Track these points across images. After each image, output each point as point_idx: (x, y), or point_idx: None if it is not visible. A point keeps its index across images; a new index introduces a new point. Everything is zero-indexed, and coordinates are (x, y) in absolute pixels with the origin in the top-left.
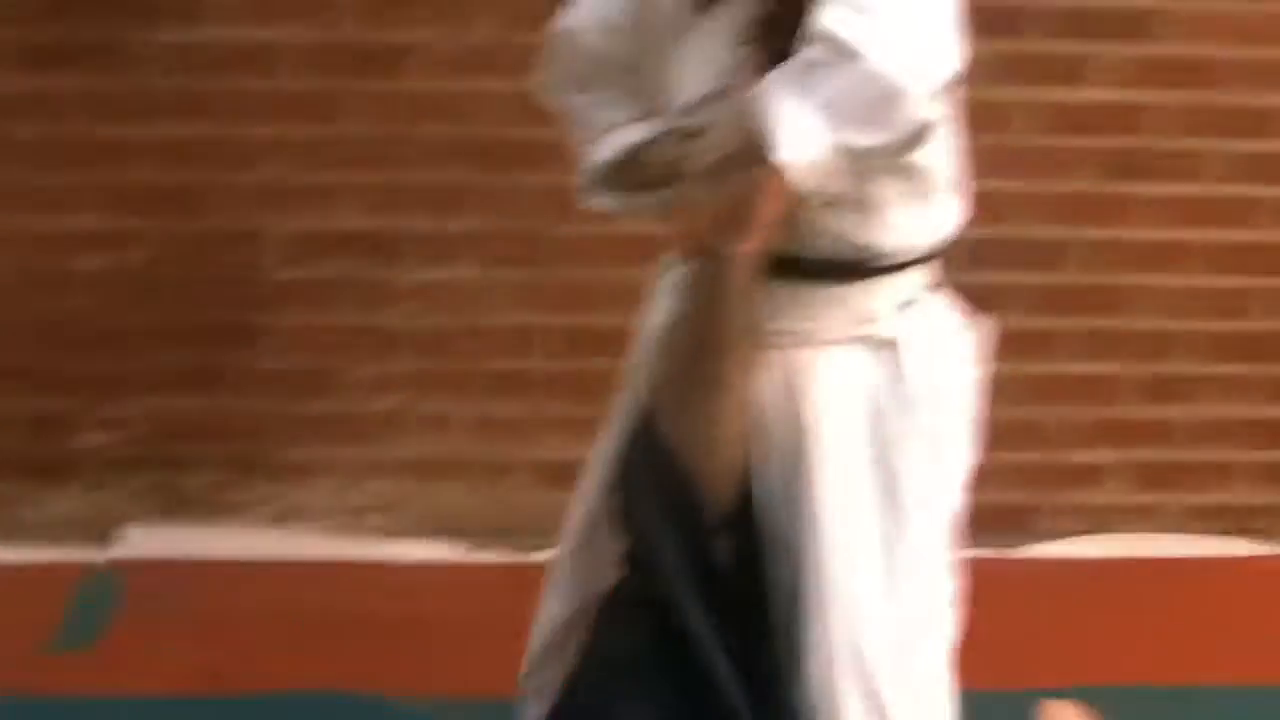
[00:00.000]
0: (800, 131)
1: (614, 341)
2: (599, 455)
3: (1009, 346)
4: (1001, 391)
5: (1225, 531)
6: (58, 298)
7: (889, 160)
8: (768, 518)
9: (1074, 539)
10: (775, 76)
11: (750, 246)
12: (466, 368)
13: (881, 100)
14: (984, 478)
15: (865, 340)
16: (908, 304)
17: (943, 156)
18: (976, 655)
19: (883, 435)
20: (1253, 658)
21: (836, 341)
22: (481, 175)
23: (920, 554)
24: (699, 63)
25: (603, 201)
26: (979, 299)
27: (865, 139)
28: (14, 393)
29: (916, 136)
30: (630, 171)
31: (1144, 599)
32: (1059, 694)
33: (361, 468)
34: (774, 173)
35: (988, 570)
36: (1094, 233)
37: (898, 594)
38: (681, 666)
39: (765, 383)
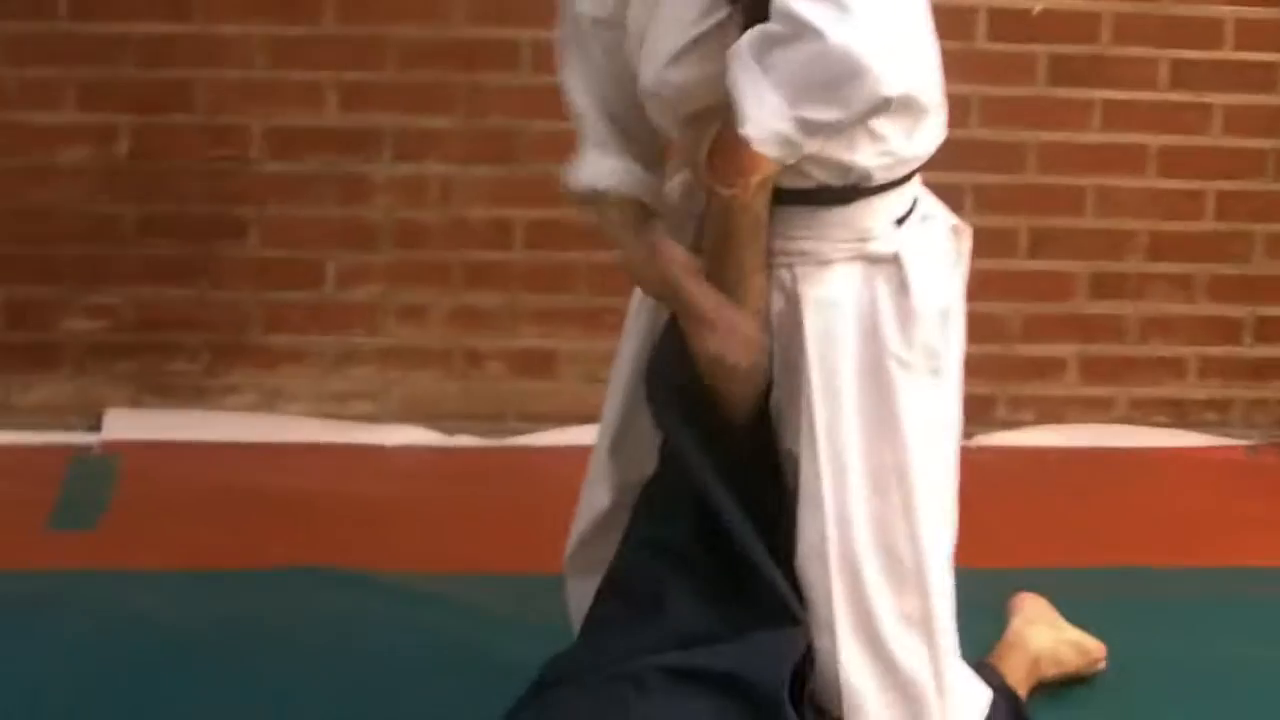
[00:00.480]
0: (761, 106)
1: (588, 236)
2: (625, 351)
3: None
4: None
5: (1173, 423)
6: (41, 188)
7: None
8: (777, 425)
9: (1029, 429)
10: (740, 46)
11: (744, 190)
12: (444, 259)
13: (841, 78)
14: None
15: (865, 257)
16: (903, 218)
17: (929, 80)
18: None
19: (878, 349)
20: (1197, 541)
21: (838, 259)
22: (456, 74)
23: (912, 462)
24: (673, 19)
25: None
26: (943, 199)
27: (825, 114)
28: (0, 281)
29: (878, 109)
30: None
31: (1095, 487)
32: (1011, 573)
33: (342, 355)
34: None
35: None
36: (1050, 135)
37: (888, 500)
38: (720, 552)
39: (771, 299)
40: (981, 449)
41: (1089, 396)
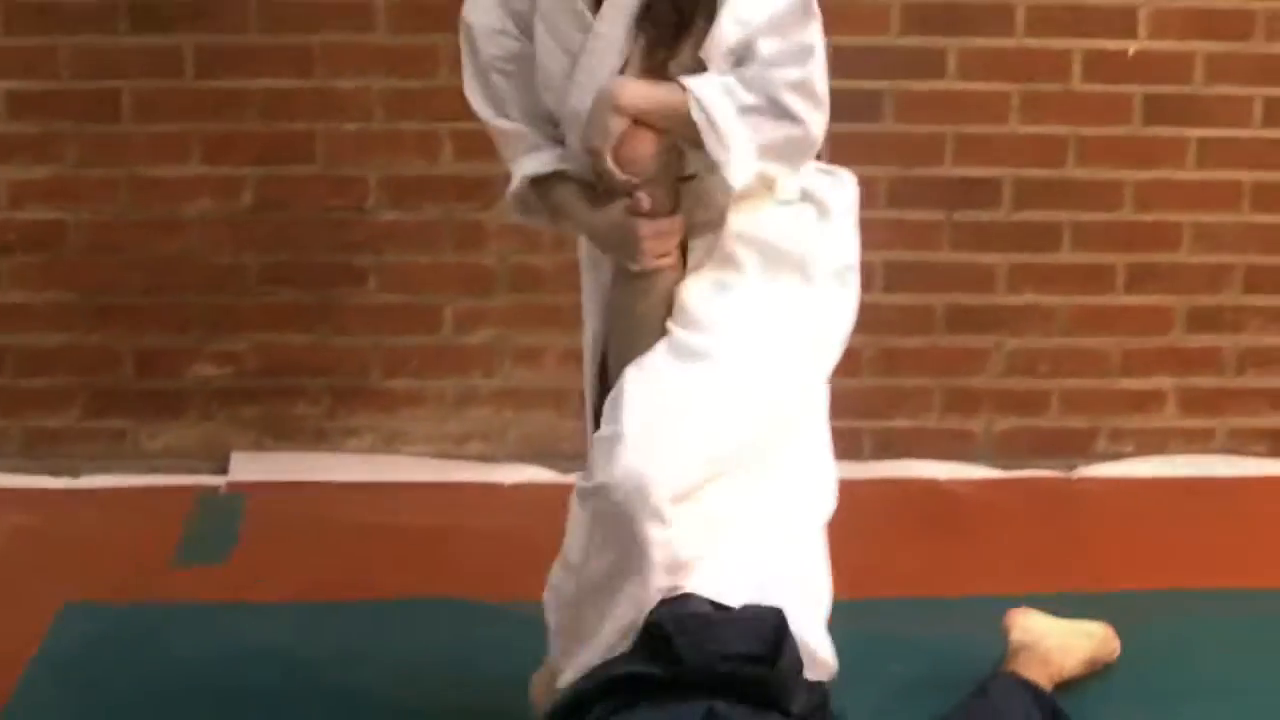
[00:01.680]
0: (744, 162)
1: None
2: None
3: (1068, 280)
4: (1061, 323)
5: (1271, 453)
6: (168, 240)
7: None
8: None
9: (1130, 460)
10: (718, 101)
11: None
12: (558, 302)
13: (803, 154)
14: (1046, 403)
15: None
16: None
17: None
18: (1049, 561)
19: None
20: None
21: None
22: None
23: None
24: (605, 49)
25: (526, 219)
26: (1041, 236)
27: (775, 170)
28: (130, 330)
29: None
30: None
31: (1196, 515)
32: (1116, 597)
33: (460, 397)
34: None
35: (1051, 488)
36: (1146, 174)
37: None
38: None
39: None
40: (1083, 479)
41: (1189, 428)
